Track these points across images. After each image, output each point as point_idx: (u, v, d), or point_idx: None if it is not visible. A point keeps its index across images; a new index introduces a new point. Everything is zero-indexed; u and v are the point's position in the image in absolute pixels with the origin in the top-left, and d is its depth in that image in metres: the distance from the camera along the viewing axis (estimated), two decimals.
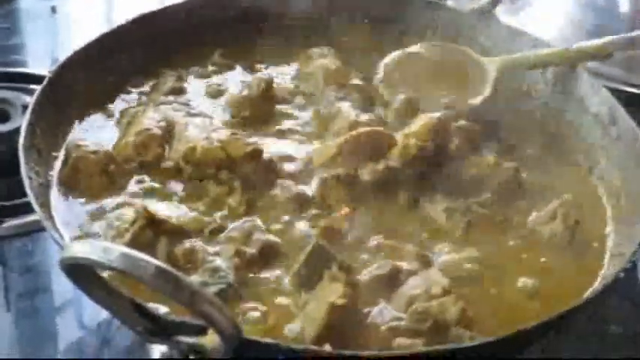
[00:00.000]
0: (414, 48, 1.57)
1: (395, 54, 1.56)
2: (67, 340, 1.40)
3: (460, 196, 1.35)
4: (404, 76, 1.53)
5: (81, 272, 0.98)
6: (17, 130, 1.33)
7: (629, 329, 1.43)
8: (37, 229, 1.49)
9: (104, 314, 1.38)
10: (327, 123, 1.48)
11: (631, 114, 1.43)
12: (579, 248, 1.31)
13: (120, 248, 0.93)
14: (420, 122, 1.39)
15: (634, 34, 1.54)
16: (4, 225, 1.52)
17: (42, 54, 2.03)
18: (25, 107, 1.58)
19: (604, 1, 1.97)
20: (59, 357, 1.36)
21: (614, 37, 1.52)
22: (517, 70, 1.57)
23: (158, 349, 1.35)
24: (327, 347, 1.08)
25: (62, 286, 1.43)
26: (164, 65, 1.58)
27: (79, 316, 1.44)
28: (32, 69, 1.86)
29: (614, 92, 1.49)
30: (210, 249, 1.24)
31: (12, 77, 1.82)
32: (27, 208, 1.47)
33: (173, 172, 1.36)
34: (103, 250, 0.92)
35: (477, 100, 1.51)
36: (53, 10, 2.12)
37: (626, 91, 1.72)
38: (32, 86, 1.71)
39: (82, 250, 0.94)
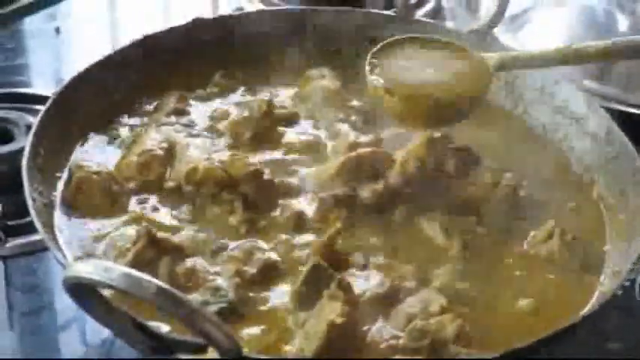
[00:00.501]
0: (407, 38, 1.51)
1: (388, 41, 1.48)
2: (71, 358, 1.40)
3: (458, 215, 1.35)
4: (393, 64, 1.46)
5: (83, 291, 0.99)
6: (21, 150, 1.34)
7: (627, 344, 1.44)
8: (40, 248, 1.49)
9: (107, 332, 1.39)
10: (326, 144, 1.49)
11: (628, 133, 1.44)
12: (578, 266, 1.31)
13: (121, 268, 0.94)
14: (417, 141, 1.40)
15: (637, 36, 1.51)
16: (9, 244, 1.52)
17: (46, 75, 2.04)
18: (28, 127, 1.59)
19: (603, 20, 1.97)
20: None
21: (616, 38, 1.48)
22: (516, 68, 1.53)
23: None
24: None
25: (65, 304, 1.44)
26: (166, 86, 1.59)
27: (82, 333, 1.44)
28: (36, 89, 1.86)
29: (612, 112, 1.50)
30: (211, 268, 1.25)
31: (16, 98, 1.82)
32: (31, 228, 1.47)
33: (175, 192, 1.37)
34: (105, 269, 0.94)
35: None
36: (57, 31, 2.13)
37: (624, 111, 1.73)
38: (36, 107, 1.71)
39: (84, 269, 0.95)
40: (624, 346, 1.43)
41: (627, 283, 1.21)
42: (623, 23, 1.95)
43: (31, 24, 2.15)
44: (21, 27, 2.15)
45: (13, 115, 1.74)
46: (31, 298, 1.46)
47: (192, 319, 0.93)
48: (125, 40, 1.61)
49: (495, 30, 1.68)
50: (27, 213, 1.32)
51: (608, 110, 1.51)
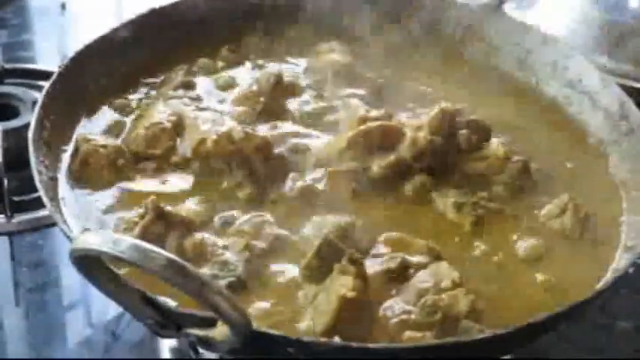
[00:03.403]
0: None
1: None
2: (77, 334, 1.40)
3: (470, 190, 1.34)
4: None
5: (90, 264, 0.98)
6: (26, 126, 1.33)
7: (637, 323, 1.44)
8: (46, 224, 1.51)
9: (113, 310, 1.39)
10: (336, 118, 1.48)
11: None
12: (592, 241, 1.30)
13: (130, 240, 0.94)
14: (428, 115, 1.38)
15: None
16: (14, 220, 1.52)
17: (51, 51, 2.05)
18: (34, 103, 1.58)
19: None
20: (68, 352, 1.37)
21: None
22: None
23: (167, 345, 1.36)
24: (337, 340, 1.08)
25: (71, 280, 1.44)
26: (174, 60, 1.58)
27: (87, 310, 1.45)
28: (41, 65, 1.87)
29: (623, 88, 1.49)
30: (220, 242, 1.23)
31: (22, 73, 1.83)
32: (36, 204, 1.50)
33: (183, 165, 1.37)
34: (113, 241, 0.93)
35: None
36: (63, 7, 2.14)
37: (637, 88, 1.72)
38: (41, 82, 1.71)
39: (92, 241, 0.94)
40: (634, 325, 1.43)
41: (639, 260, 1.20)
42: (634, 0, 1.95)
43: (37, 0, 2.15)
44: (26, 3, 2.17)
45: (18, 90, 1.76)
46: (36, 275, 1.47)
47: (202, 292, 0.92)
48: (132, 15, 1.60)
49: (505, 6, 1.67)
50: (33, 189, 1.33)
51: (620, 86, 1.50)
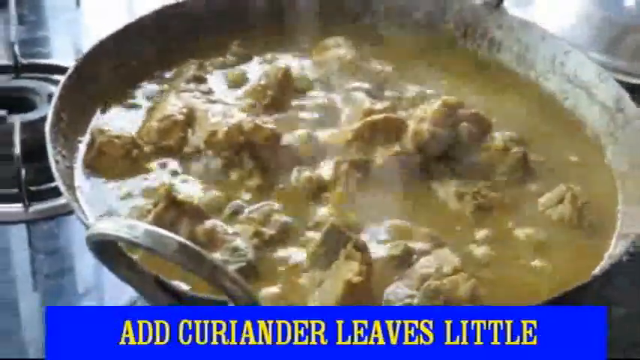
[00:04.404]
0: None
1: None
2: None
3: (471, 180, 1.37)
4: None
5: (106, 249, 1.00)
6: (43, 119, 1.36)
7: (631, 310, 1.45)
8: (62, 212, 1.53)
9: (126, 295, 1.41)
10: (342, 111, 1.50)
11: (637, 102, 1.45)
12: (589, 229, 1.33)
13: (144, 225, 0.95)
14: (431, 107, 1.41)
15: None
16: (32, 209, 1.55)
17: (66, 46, 2.06)
18: (50, 96, 1.61)
19: None
20: None
21: None
22: None
23: None
24: None
25: (86, 268, 1.46)
26: (185, 54, 1.61)
27: (101, 296, 1.46)
28: (56, 61, 1.89)
29: (622, 85, 1.50)
30: (230, 229, 1.27)
31: (37, 68, 1.85)
32: (53, 193, 1.52)
33: (194, 156, 1.40)
34: (128, 227, 0.94)
35: None
36: (77, 3, 2.15)
37: (631, 83, 1.74)
38: (57, 77, 1.74)
39: (107, 227, 0.96)
40: (629, 312, 1.45)
41: (632, 249, 1.22)
42: None
43: None
44: (42, 1, 2.18)
45: (35, 84, 1.77)
46: (53, 261, 1.49)
47: (214, 275, 0.93)
48: (145, 10, 1.62)
49: (505, 3, 1.69)
50: (49, 180, 1.36)
51: (618, 82, 1.51)
